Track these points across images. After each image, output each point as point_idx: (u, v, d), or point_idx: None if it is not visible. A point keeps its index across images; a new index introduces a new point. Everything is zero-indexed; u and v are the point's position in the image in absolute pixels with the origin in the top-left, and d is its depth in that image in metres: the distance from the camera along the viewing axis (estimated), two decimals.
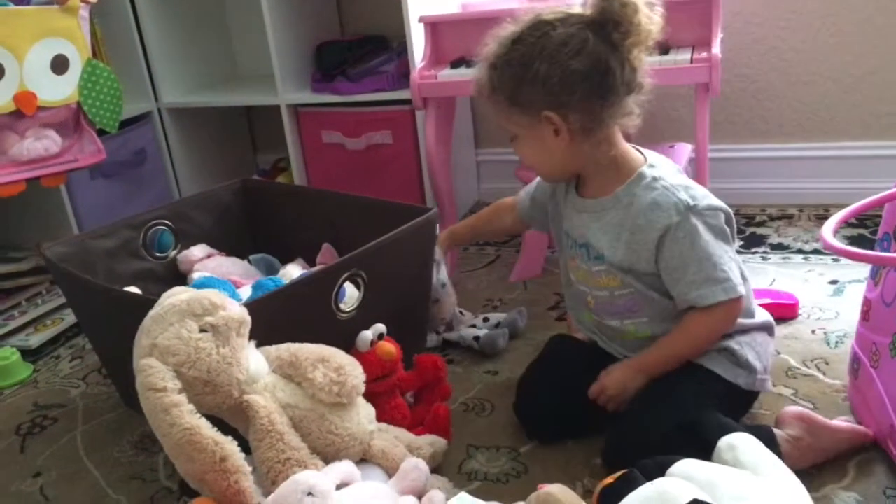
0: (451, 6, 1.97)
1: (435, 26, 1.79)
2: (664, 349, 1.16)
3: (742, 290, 1.11)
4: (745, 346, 1.16)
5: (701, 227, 1.10)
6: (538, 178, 1.33)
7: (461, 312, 1.60)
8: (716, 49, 1.52)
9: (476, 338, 1.51)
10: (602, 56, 1.07)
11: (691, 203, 1.10)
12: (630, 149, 1.17)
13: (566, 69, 1.06)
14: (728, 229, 1.14)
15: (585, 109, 1.09)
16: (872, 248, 1.19)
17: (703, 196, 1.12)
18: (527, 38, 1.09)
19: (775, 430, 1.09)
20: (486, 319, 1.59)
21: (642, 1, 1.07)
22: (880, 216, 1.17)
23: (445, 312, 1.52)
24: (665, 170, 1.15)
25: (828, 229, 1.02)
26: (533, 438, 1.24)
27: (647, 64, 1.11)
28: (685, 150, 1.81)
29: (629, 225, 1.12)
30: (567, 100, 1.08)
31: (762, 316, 1.22)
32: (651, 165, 1.15)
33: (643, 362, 1.17)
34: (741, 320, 1.16)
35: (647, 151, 1.18)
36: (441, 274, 1.48)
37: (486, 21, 1.68)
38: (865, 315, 1.18)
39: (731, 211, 1.14)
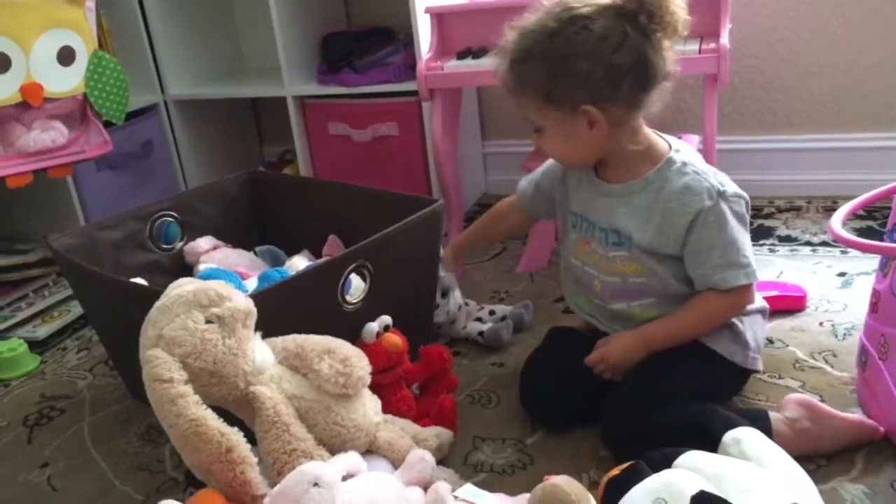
0: None
1: (441, 17, 1.78)
2: (672, 325, 1.17)
3: (758, 276, 1.14)
4: (746, 326, 1.19)
5: (728, 213, 1.12)
6: (545, 166, 1.33)
7: (466, 303, 1.60)
8: (724, 40, 1.51)
9: (480, 332, 1.51)
10: (642, 48, 1.07)
11: (721, 189, 1.12)
12: (653, 136, 1.18)
13: (609, 64, 1.06)
14: (747, 216, 1.16)
15: (626, 102, 1.09)
16: (881, 240, 1.18)
17: (729, 182, 1.15)
18: (564, 33, 1.07)
19: (773, 414, 1.11)
20: (492, 312, 1.58)
21: None
22: (889, 208, 1.17)
23: (460, 329, 1.54)
24: (691, 155, 1.17)
25: (836, 220, 1.01)
26: (539, 427, 1.25)
27: (675, 52, 1.11)
28: (693, 141, 1.80)
29: (660, 208, 1.14)
30: (610, 94, 1.08)
31: (760, 301, 1.24)
32: (678, 150, 1.16)
33: (648, 335, 1.17)
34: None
35: (670, 138, 1.19)
36: (455, 296, 1.51)
37: (493, 11, 1.69)
38: (874, 307, 1.17)
39: (749, 199, 1.16)
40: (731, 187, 1.13)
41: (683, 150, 1.17)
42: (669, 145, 1.17)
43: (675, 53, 1.11)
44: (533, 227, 1.79)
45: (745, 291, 1.14)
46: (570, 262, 1.28)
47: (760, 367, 1.22)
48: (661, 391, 1.10)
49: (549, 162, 1.31)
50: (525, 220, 1.43)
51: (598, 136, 1.11)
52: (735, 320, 1.18)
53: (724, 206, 1.11)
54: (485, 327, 1.52)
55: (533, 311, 1.59)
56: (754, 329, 1.20)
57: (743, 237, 1.13)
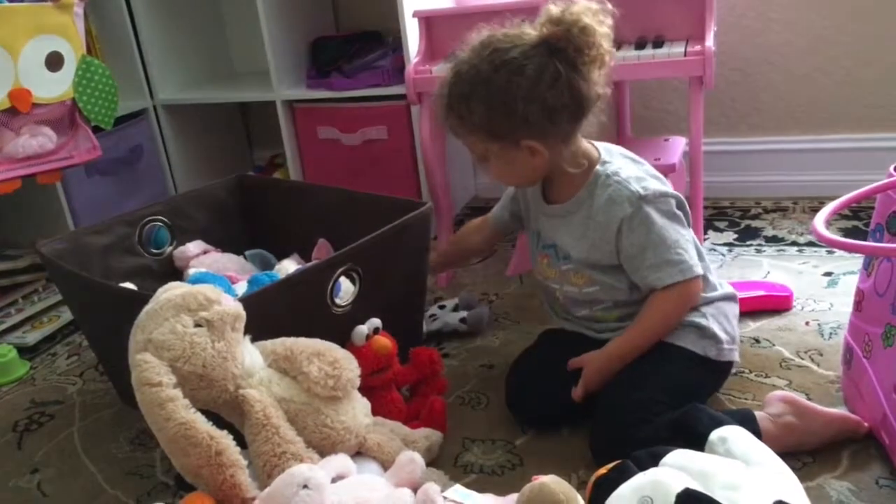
0: (446, 0, 1.97)
1: (429, 21, 1.79)
2: (634, 336, 1.19)
3: (699, 269, 1.16)
4: (710, 318, 1.19)
5: (654, 214, 1.15)
6: (506, 194, 1.39)
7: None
8: (709, 42, 1.52)
9: (462, 319, 1.54)
10: (573, 83, 1.10)
11: (643, 193, 1.15)
12: (588, 147, 1.21)
13: (545, 104, 1.10)
14: (680, 213, 1.19)
15: (562, 132, 1.14)
16: (865, 239, 1.20)
17: (654, 184, 1.17)
18: (498, 78, 1.10)
19: (756, 412, 1.12)
20: (441, 306, 1.61)
21: (594, 17, 1.09)
22: (874, 208, 1.18)
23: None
24: (618, 163, 1.19)
25: (820, 220, 1.02)
26: (526, 428, 1.25)
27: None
28: (679, 143, 1.81)
29: (591, 224, 1.18)
30: (548, 129, 1.12)
31: (725, 288, 1.25)
32: (604, 162, 1.19)
33: (616, 350, 1.19)
34: (705, 294, 1.20)
35: (599, 145, 1.23)
36: (458, 314, 1.55)
37: (480, 15, 1.69)
38: (858, 306, 1.18)
39: (681, 196, 1.20)
40: (654, 188, 1.16)
41: (611, 160, 1.20)
42: (599, 155, 1.20)
43: (605, 78, 1.14)
44: (521, 232, 1.80)
45: (687, 286, 1.16)
46: (535, 275, 1.32)
47: (737, 357, 1.23)
48: (640, 401, 1.11)
49: (508, 190, 1.38)
50: (491, 241, 1.49)
51: (540, 161, 1.15)
52: (696, 317, 1.18)
53: (648, 209, 1.14)
54: (462, 314, 1.55)
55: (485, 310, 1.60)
56: (721, 320, 1.21)
57: (674, 234, 1.15)
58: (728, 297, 1.24)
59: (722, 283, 1.26)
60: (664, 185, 1.18)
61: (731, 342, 1.22)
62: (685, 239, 1.17)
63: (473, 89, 1.12)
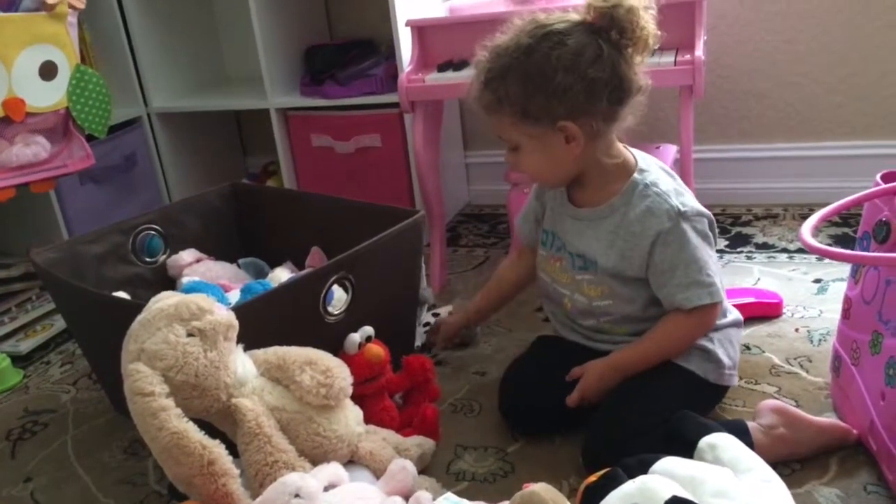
0: (439, 10, 1.98)
1: (422, 30, 1.80)
2: (640, 351, 1.18)
3: (724, 295, 1.16)
4: (716, 343, 1.19)
5: (690, 232, 1.13)
6: (529, 197, 1.33)
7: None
8: (699, 52, 1.53)
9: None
10: (616, 63, 1.08)
11: (682, 209, 1.13)
12: (624, 150, 1.19)
13: (587, 78, 1.07)
14: (710, 234, 1.17)
15: (602, 115, 1.10)
16: (854, 248, 1.21)
17: (692, 201, 1.15)
18: (540, 48, 1.08)
19: (748, 423, 1.12)
20: (436, 315, 1.62)
21: (641, 4, 1.09)
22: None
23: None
24: (655, 174, 1.17)
25: (806, 228, 1.03)
26: (518, 435, 1.26)
27: (645, 66, 1.13)
28: (670, 151, 1.82)
29: (623, 233, 1.15)
30: (587, 108, 1.09)
31: (733, 314, 1.25)
32: (641, 170, 1.17)
33: (620, 361, 1.18)
34: (717, 320, 1.19)
35: (636, 153, 1.20)
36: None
37: (473, 25, 1.71)
38: (846, 313, 1.19)
39: (713, 217, 1.18)
40: (692, 206, 1.14)
41: (648, 169, 1.18)
42: (636, 162, 1.18)
43: (645, 67, 1.13)
44: (516, 235, 1.81)
45: (709, 310, 1.15)
46: (541, 276, 1.29)
47: (735, 382, 1.24)
48: (637, 415, 1.11)
49: (532, 191, 1.33)
50: (531, 255, 1.35)
51: (576, 150, 1.12)
52: (705, 342, 1.18)
53: (685, 226, 1.13)
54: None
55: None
56: (726, 346, 1.21)
57: (706, 256, 1.14)
58: (736, 324, 1.24)
59: (730, 307, 1.25)
60: (699, 205, 1.16)
61: (732, 368, 1.22)
62: (714, 261, 1.15)
63: (512, 62, 1.09)
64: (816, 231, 1.02)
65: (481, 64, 1.14)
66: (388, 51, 2.07)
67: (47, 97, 1.65)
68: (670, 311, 1.16)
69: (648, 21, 1.09)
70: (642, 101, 1.13)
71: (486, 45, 1.14)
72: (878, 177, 1.13)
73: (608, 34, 1.08)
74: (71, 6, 1.64)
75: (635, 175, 1.16)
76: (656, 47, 1.12)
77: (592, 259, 1.18)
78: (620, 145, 1.19)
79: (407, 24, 1.80)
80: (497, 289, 1.44)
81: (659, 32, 1.11)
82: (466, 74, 1.68)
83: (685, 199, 1.15)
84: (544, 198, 1.28)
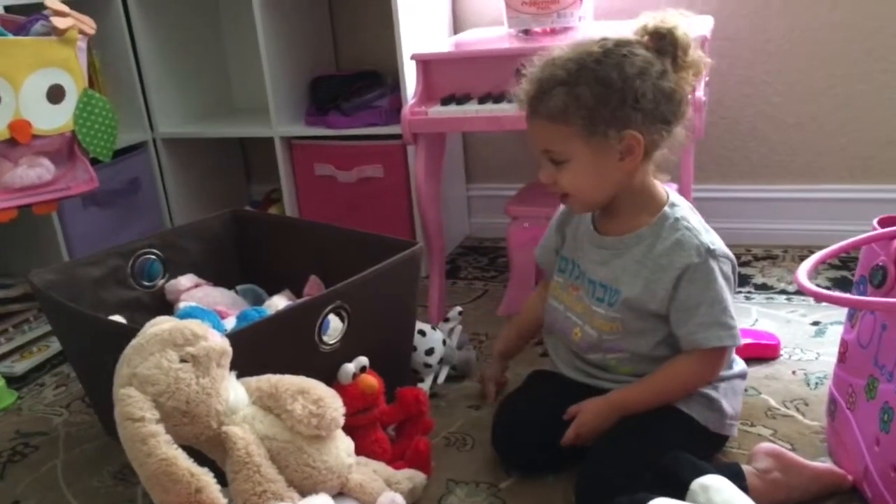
0: (444, 44, 2.01)
1: (427, 64, 1.81)
2: (643, 391, 1.16)
3: (741, 340, 1.15)
4: (721, 392, 1.18)
5: (716, 272, 1.12)
6: (548, 228, 1.32)
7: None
8: (699, 92, 1.54)
9: (453, 367, 1.56)
10: (678, 81, 1.10)
11: (711, 247, 1.12)
12: (657, 182, 1.19)
13: (658, 88, 1.08)
14: (733, 278, 1.17)
15: (663, 131, 1.10)
16: (851, 291, 1.21)
17: (719, 242, 1.15)
18: (612, 56, 1.08)
19: (744, 466, 1.11)
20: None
21: (688, 27, 1.12)
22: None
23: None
24: (685, 210, 1.17)
25: (802, 271, 1.04)
26: (511, 471, 1.25)
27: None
28: (670, 189, 1.83)
29: (650, 264, 1.14)
30: (653, 119, 1.08)
31: (740, 365, 1.25)
32: (672, 205, 1.17)
33: (620, 400, 1.17)
34: (723, 371, 1.18)
35: (667, 188, 1.21)
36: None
37: (477, 60, 1.73)
38: (842, 357, 1.19)
39: (736, 262, 1.17)
40: (720, 247, 1.14)
41: (679, 204, 1.18)
42: (667, 197, 1.18)
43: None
44: (514, 267, 1.81)
45: (722, 355, 1.14)
46: (552, 304, 1.27)
47: (735, 433, 1.22)
48: (633, 456, 1.09)
49: (552, 221, 1.32)
50: None
51: (627, 166, 1.11)
52: (709, 390, 1.17)
53: (713, 265, 1.12)
54: (452, 361, 1.55)
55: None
56: (730, 397, 1.20)
57: (728, 298, 1.13)
58: (741, 375, 1.24)
59: (737, 358, 1.24)
60: (725, 246, 1.16)
61: (734, 418, 1.21)
62: (732, 305, 1.15)
63: (582, 68, 1.07)
64: (815, 273, 1.03)
65: (539, 74, 1.11)
66: (393, 83, 2.09)
67: (54, 120, 1.67)
68: (679, 354, 1.15)
69: (697, 48, 1.12)
70: (681, 132, 1.14)
71: (539, 59, 1.13)
72: (874, 221, 1.13)
73: (669, 52, 1.10)
74: (81, 32, 1.67)
75: (666, 209, 1.16)
76: (706, 76, 1.13)
77: (615, 288, 1.17)
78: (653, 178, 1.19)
79: (412, 58, 1.82)
80: (527, 321, 1.42)
81: (709, 60, 1.13)
82: (469, 108, 1.70)
83: (713, 237, 1.15)
84: (565, 229, 1.28)
